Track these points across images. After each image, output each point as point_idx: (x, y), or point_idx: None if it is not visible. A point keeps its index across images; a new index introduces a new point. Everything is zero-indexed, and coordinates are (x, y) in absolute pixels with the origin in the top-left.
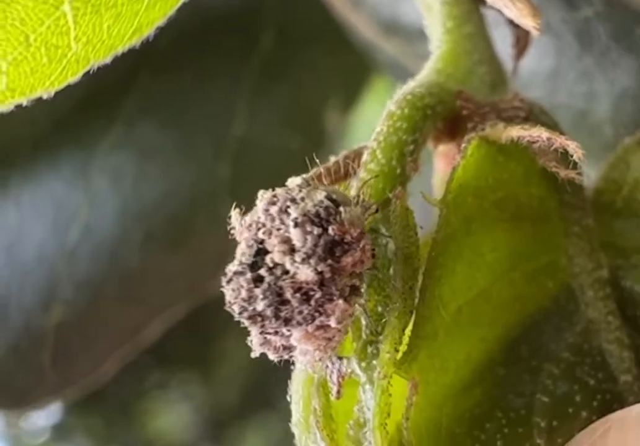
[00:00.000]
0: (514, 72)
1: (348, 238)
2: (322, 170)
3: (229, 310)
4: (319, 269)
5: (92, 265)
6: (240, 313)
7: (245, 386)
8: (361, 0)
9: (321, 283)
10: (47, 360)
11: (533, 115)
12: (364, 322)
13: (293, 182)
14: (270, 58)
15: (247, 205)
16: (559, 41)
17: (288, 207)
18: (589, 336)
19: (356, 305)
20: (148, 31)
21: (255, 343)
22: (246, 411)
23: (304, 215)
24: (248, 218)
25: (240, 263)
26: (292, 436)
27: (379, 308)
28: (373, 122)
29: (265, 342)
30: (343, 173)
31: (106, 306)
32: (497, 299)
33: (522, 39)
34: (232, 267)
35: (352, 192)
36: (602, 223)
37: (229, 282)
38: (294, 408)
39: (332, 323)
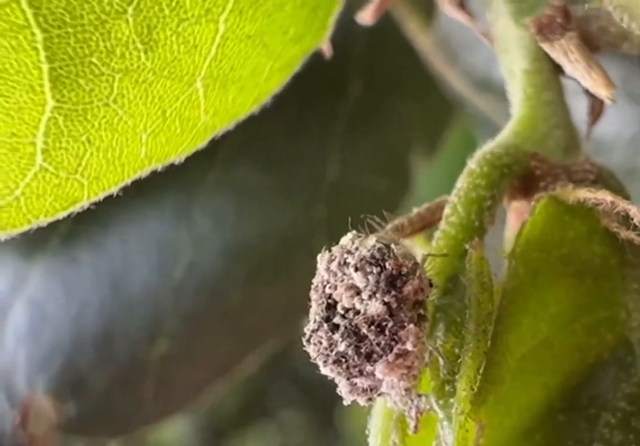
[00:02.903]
0: (587, 137)
1: (404, 270)
2: (405, 220)
3: (315, 362)
4: (386, 300)
5: (196, 301)
6: (325, 362)
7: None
8: (457, 58)
9: (391, 313)
10: (149, 391)
11: (602, 178)
12: (441, 362)
13: (345, 239)
14: (358, 106)
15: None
16: None
17: (346, 258)
18: None
19: (431, 348)
20: (266, 98)
21: (344, 392)
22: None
23: (362, 259)
24: (314, 280)
25: (315, 321)
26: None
27: (456, 350)
28: (454, 166)
29: (353, 388)
30: (424, 224)
31: (207, 340)
32: (558, 348)
33: (596, 107)
34: (309, 327)
35: (433, 243)
36: None
37: (309, 340)
38: (372, 441)
39: (409, 346)
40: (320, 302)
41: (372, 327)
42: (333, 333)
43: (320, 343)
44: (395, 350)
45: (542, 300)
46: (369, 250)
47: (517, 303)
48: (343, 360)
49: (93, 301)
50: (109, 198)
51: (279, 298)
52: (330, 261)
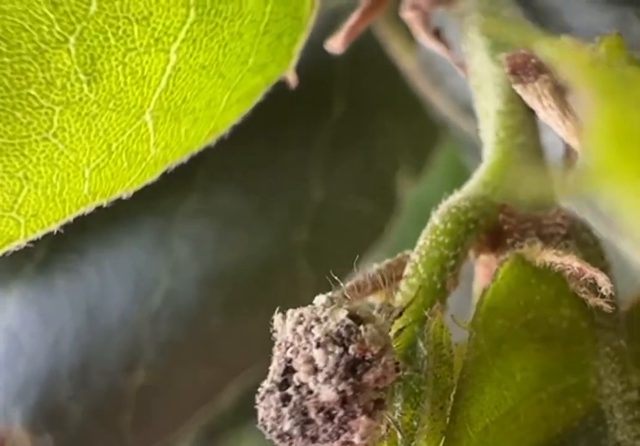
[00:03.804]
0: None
1: (369, 355)
2: (364, 277)
3: (260, 428)
4: (340, 388)
5: (174, 329)
6: (270, 432)
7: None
8: (441, 82)
9: (343, 402)
10: (128, 422)
11: (574, 232)
12: (399, 437)
13: (319, 300)
14: (342, 125)
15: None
16: None
17: (312, 326)
18: None
19: (389, 420)
20: (223, 130)
21: None
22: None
23: (326, 334)
24: (278, 337)
25: (271, 381)
26: None
27: (414, 423)
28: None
29: None
30: (384, 282)
31: (187, 368)
32: (524, 419)
33: (572, 156)
34: (265, 384)
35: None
36: (637, 341)
37: (262, 399)
38: None
39: (356, 439)
40: (280, 362)
41: (321, 414)
42: (283, 405)
43: (270, 410)
44: (342, 439)
45: (506, 368)
46: (337, 325)
47: (479, 375)
48: (287, 437)
49: (69, 330)
50: (84, 225)
51: (260, 324)
52: (298, 322)
